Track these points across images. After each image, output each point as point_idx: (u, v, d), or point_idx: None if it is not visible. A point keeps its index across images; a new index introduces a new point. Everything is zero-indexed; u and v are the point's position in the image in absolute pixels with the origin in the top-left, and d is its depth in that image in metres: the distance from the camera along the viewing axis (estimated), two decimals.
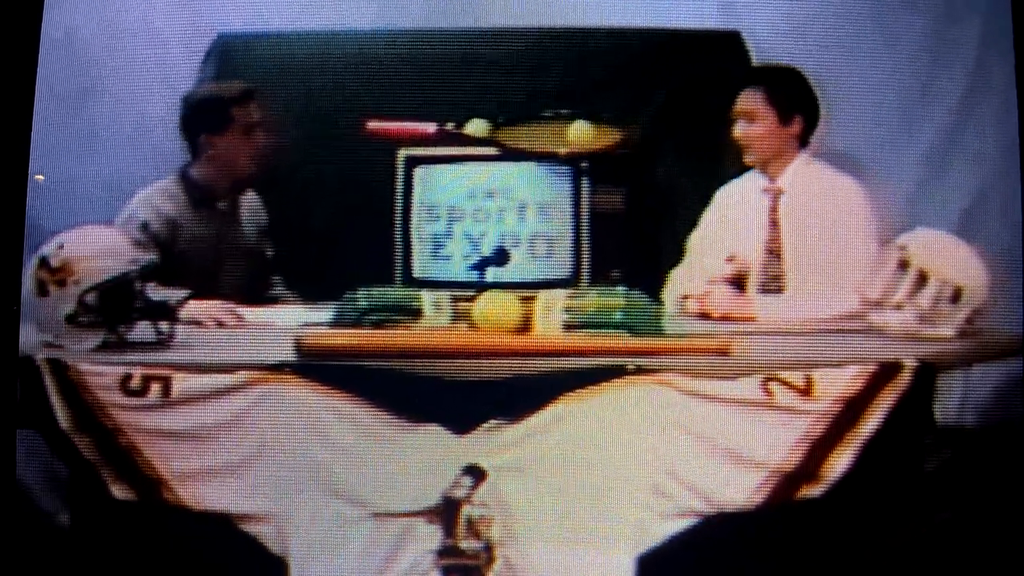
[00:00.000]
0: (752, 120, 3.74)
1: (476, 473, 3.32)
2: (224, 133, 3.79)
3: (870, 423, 3.27)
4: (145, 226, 3.72)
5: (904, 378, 3.27)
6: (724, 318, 3.63)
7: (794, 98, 3.73)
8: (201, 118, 3.80)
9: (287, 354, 3.34)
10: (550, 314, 3.43)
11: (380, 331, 3.45)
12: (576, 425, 3.31)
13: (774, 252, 3.76)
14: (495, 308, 3.43)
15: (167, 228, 3.76)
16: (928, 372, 3.29)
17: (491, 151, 3.74)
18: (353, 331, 3.45)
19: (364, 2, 3.88)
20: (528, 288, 3.53)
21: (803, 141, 3.77)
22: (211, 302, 3.63)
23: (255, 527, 3.33)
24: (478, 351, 3.35)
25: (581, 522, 3.31)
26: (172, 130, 3.80)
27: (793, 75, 3.73)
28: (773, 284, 3.75)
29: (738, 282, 3.76)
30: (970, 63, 3.78)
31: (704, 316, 3.66)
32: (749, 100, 3.74)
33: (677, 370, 3.30)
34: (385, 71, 3.82)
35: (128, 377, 3.31)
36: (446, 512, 3.30)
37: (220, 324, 3.61)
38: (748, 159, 3.77)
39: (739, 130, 3.75)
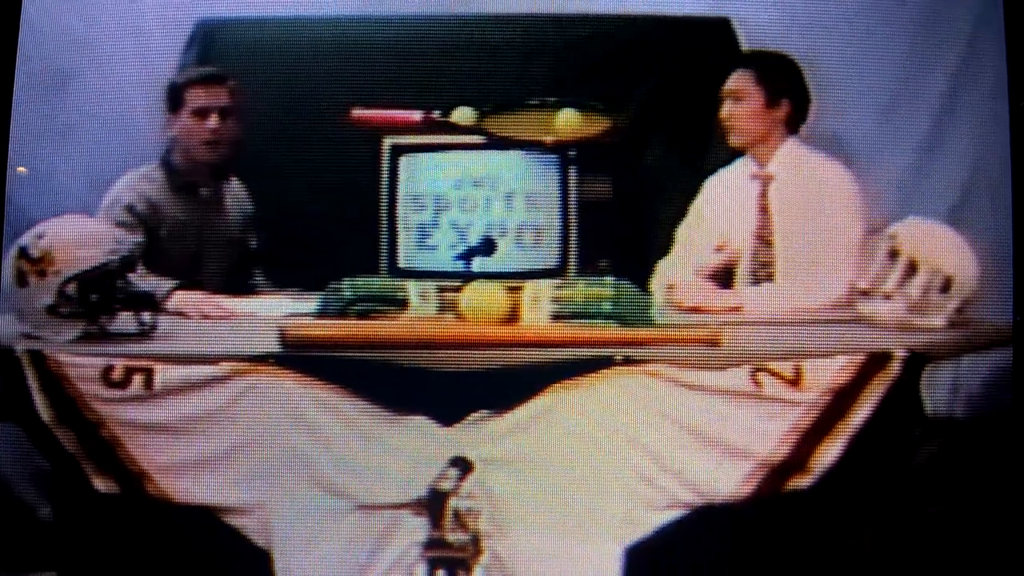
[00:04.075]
0: (739, 100, 3.73)
1: (463, 465, 3.30)
2: (177, 115, 3.76)
3: (859, 414, 3.27)
4: (131, 208, 3.69)
5: (893, 368, 3.27)
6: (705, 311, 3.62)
7: (783, 82, 3.73)
8: (165, 99, 3.78)
9: (271, 345, 3.33)
10: (537, 304, 3.41)
11: (365, 322, 3.43)
12: (564, 416, 3.30)
13: (764, 239, 3.74)
14: (482, 298, 3.42)
15: (152, 211, 3.73)
16: (917, 362, 3.28)
17: (478, 139, 3.72)
18: (338, 322, 3.43)
19: None
20: (515, 278, 3.50)
21: (792, 127, 3.75)
22: (196, 295, 3.59)
23: (239, 519, 3.32)
24: (465, 342, 3.34)
25: (569, 514, 3.30)
26: (152, 118, 3.77)
27: (784, 61, 3.73)
28: (763, 271, 3.73)
29: (727, 272, 3.75)
30: (961, 51, 3.77)
31: (691, 309, 3.64)
32: (738, 80, 3.74)
33: (666, 360, 3.29)
34: (370, 58, 3.79)
35: (110, 369, 3.28)
36: (433, 504, 3.29)
37: (204, 316, 3.57)
38: (733, 140, 3.76)
39: (725, 110, 3.74)
